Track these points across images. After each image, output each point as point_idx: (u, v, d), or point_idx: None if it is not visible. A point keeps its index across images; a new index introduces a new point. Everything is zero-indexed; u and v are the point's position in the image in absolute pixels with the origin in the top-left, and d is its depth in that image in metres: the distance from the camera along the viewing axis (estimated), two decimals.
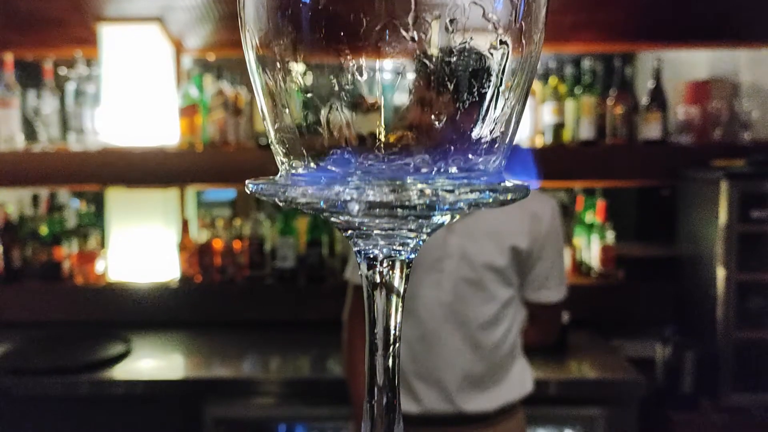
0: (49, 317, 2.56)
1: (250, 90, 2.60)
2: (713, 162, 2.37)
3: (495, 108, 0.28)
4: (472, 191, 0.25)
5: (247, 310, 2.57)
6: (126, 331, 2.43)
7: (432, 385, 1.54)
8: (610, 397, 2.04)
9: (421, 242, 0.30)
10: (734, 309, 2.21)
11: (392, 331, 0.33)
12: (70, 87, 2.58)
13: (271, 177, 0.30)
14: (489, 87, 0.28)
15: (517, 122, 0.29)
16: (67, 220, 2.74)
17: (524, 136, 2.60)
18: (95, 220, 2.77)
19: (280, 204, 0.27)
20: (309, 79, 0.27)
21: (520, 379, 1.62)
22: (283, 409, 2.09)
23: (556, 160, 2.50)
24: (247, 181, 0.28)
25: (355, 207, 0.25)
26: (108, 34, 2.51)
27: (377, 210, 0.25)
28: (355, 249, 0.31)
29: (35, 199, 2.70)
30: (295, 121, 0.27)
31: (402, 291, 0.32)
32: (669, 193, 2.70)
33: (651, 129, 2.51)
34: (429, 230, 0.29)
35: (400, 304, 0.33)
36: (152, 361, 2.22)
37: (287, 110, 0.28)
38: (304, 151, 0.28)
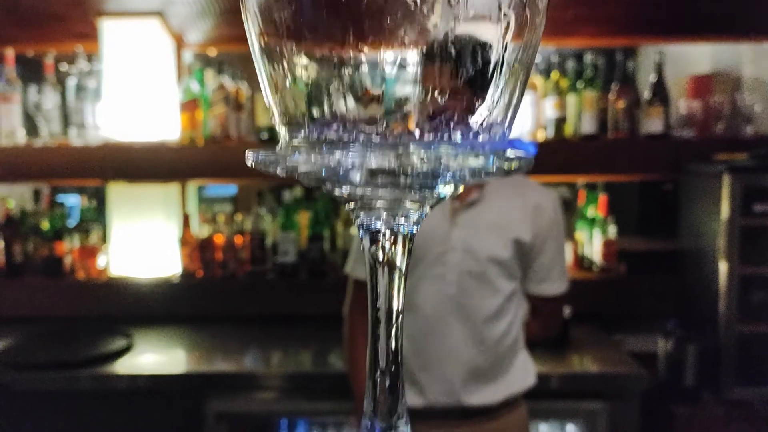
0: (51, 312, 2.56)
1: (252, 85, 2.61)
2: (715, 156, 2.36)
3: (499, 80, 0.27)
4: (475, 157, 0.25)
5: (249, 305, 2.57)
6: (127, 326, 2.43)
7: (436, 379, 1.54)
8: (612, 391, 2.04)
9: (423, 215, 0.30)
10: (736, 303, 2.21)
11: (395, 307, 0.33)
12: (71, 82, 2.58)
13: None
14: (493, 59, 0.27)
15: (521, 95, 0.29)
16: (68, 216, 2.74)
17: (526, 130, 2.59)
18: (96, 215, 2.77)
19: (281, 174, 0.27)
20: (311, 50, 0.27)
21: (523, 372, 1.62)
22: (284, 404, 2.09)
23: (557, 155, 2.49)
24: (247, 152, 0.27)
25: (357, 174, 0.24)
26: (109, 28, 2.50)
27: (379, 178, 0.25)
28: (358, 222, 0.30)
29: (36, 194, 2.70)
30: (296, 91, 0.27)
31: (404, 268, 0.32)
32: (671, 187, 2.69)
33: (653, 123, 2.50)
34: (432, 202, 0.29)
35: (403, 281, 0.32)
36: (154, 356, 2.22)
37: (288, 80, 0.28)
38: (305, 121, 0.27)
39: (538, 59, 2.64)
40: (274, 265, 2.59)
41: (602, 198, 2.60)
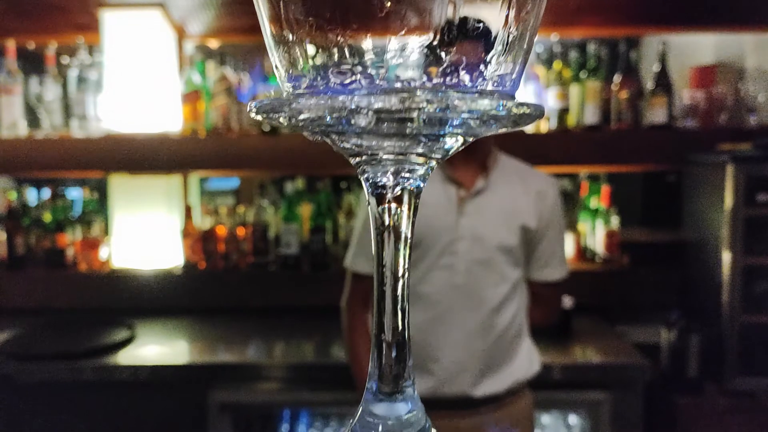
0: (53, 304, 2.56)
1: (253, 77, 2.60)
2: (719, 146, 2.35)
3: (508, 30, 0.27)
4: (484, 99, 0.24)
5: (251, 297, 2.57)
6: (130, 318, 2.43)
7: (444, 368, 1.54)
8: (615, 381, 2.03)
9: (429, 170, 0.29)
10: (740, 293, 2.20)
11: (400, 272, 0.32)
12: (73, 73, 2.57)
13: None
14: (501, 9, 0.27)
15: (529, 48, 0.28)
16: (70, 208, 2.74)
17: None
18: (98, 207, 2.77)
19: (284, 122, 0.26)
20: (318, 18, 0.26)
21: (528, 359, 1.62)
22: (287, 395, 2.09)
23: (560, 145, 2.48)
24: (249, 102, 0.27)
25: (362, 118, 0.24)
26: (110, 20, 2.50)
27: (385, 125, 0.24)
28: (364, 178, 0.30)
29: (38, 185, 2.70)
30: (300, 39, 0.27)
31: (410, 234, 0.32)
32: (674, 178, 2.68)
33: (656, 113, 2.49)
34: (438, 156, 0.28)
35: (408, 248, 0.32)
36: (156, 347, 2.22)
37: (292, 36, 0.27)
38: (309, 70, 0.27)
39: (540, 49, 2.62)
40: (276, 256, 2.58)
41: (605, 189, 2.60)
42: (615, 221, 2.55)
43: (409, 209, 0.31)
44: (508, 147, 1.72)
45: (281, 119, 0.26)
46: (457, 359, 1.54)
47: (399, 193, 0.30)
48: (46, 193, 2.75)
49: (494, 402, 1.57)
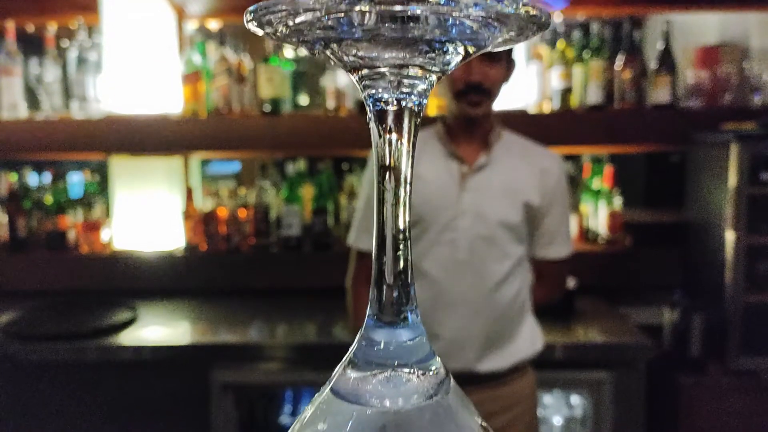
0: (55, 286, 2.56)
1: (254, 58, 2.58)
2: (723, 125, 2.33)
3: None
4: None
5: (253, 278, 2.57)
6: (132, 299, 2.43)
7: (446, 345, 1.53)
8: (618, 361, 2.03)
9: (430, 86, 0.29)
10: (743, 273, 2.19)
11: (401, 208, 0.31)
12: (72, 54, 2.56)
13: None
14: None
15: None
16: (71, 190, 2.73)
17: (532, 101, 2.57)
18: (99, 189, 2.77)
19: (280, 28, 0.25)
20: None
21: (531, 337, 1.61)
22: (289, 374, 2.10)
23: (563, 126, 2.47)
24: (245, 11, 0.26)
25: (363, 16, 0.23)
26: (109, 0, 2.48)
27: (387, 25, 0.23)
28: (365, 94, 0.29)
29: (39, 168, 2.69)
30: None
31: (409, 175, 0.31)
32: (678, 159, 2.67)
33: (660, 93, 2.47)
34: (437, 69, 0.28)
35: (409, 192, 0.31)
36: (159, 328, 2.22)
37: None
38: None
39: None
40: (278, 238, 2.58)
41: (608, 169, 2.58)
42: (618, 202, 2.54)
43: (409, 139, 0.30)
44: (510, 127, 1.70)
45: (278, 25, 0.25)
46: (459, 335, 1.53)
47: (400, 109, 0.29)
48: (47, 175, 2.74)
49: (497, 379, 1.56)
